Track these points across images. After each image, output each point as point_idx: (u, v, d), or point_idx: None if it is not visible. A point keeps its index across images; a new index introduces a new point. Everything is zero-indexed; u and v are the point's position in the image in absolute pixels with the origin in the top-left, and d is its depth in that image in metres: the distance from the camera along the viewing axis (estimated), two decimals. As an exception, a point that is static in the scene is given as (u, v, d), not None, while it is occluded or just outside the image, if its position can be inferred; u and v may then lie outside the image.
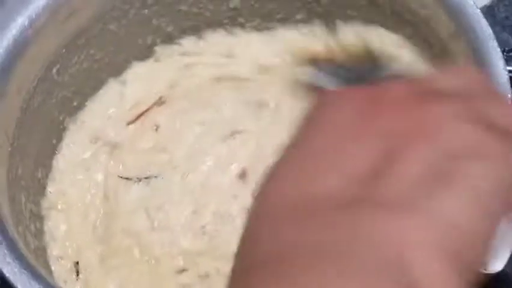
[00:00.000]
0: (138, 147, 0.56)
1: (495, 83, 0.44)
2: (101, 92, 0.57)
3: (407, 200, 0.25)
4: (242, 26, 0.58)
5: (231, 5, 0.57)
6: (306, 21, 0.57)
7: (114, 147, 0.55)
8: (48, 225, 0.51)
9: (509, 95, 0.43)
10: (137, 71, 0.57)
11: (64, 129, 0.55)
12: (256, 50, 0.58)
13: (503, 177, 0.25)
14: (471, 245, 0.24)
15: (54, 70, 0.51)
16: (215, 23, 0.58)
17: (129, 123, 0.56)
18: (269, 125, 0.56)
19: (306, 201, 0.26)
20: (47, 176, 0.53)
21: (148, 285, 0.51)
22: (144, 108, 0.57)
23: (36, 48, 0.49)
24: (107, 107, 0.56)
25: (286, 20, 0.58)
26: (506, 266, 0.40)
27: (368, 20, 0.55)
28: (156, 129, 0.56)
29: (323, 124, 0.28)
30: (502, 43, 0.60)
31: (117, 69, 0.57)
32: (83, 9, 0.51)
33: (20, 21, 0.48)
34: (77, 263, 0.51)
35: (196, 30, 0.58)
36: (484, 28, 0.46)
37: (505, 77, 0.44)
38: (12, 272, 0.41)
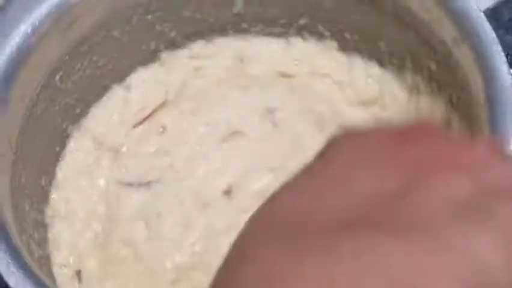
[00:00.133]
0: (142, 151, 0.56)
1: (499, 87, 0.44)
2: (104, 98, 0.57)
3: (435, 230, 0.21)
4: (246, 31, 0.58)
5: (234, 10, 0.57)
6: (309, 26, 0.57)
7: (118, 152, 0.55)
8: (53, 233, 0.51)
9: (514, 100, 0.43)
10: (142, 75, 0.57)
11: (68, 136, 0.55)
12: (269, 55, 0.58)
13: None
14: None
15: (57, 77, 0.51)
16: (218, 28, 0.58)
17: (135, 125, 0.56)
18: (269, 132, 0.56)
19: (308, 219, 0.23)
20: (50, 183, 0.53)
21: None
22: (150, 111, 0.57)
23: (39, 55, 0.49)
24: (111, 113, 0.56)
25: (290, 25, 0.58)
26: None
27: (372, 25, 0.54)
28: (162, 131, 0.56)
29: (346, 149, 0.25)
30: (506, 46, 0.59)
31: (120, 76, 0.57)
32: (86, 16, 0.51)
33: (23, 29, 0.48)
34: (80, 271, 0.51)
35: (199, 35, 0.58)
36: (488, 32, 0.46)
37: (508, 81, 0.44)
38: (17, 282, 0.41)
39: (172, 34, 0.57)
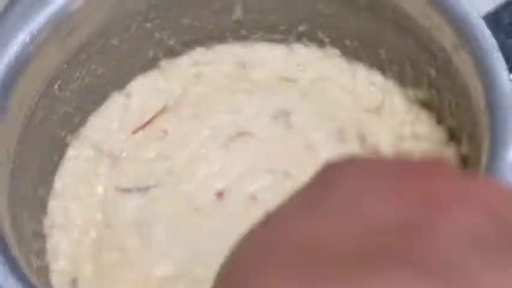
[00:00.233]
0: (142, 156, 0.55)
1: (499, 93, 0.43)
2: (103, 106, 0.56)
3: (469, 271, 0.20)
4: (245, 38, 0.58)
5: (234, 18, 0.57)
6: (309, 33, 0.57)
7: (117, 158, 0.55)
8: (51, 243, 0.51)
9: (514, 106, 0.43)
10: (142, 83, 0.57)
11: (66, 145, 0.54)
12: (271, 60, 0.58)
13: None
14: None
15: (56, 86, 0.51)
16: (217, 36, 0.58)
17: (135, 131, 0.56)
18: (281, 135, 0.55)
19: (319, 245, 0.20)
20: (48, 193, 0.52)
21: None
22: (149, 117, 0.56)
23: (38, 64, 0.48)
24: (110, 121, 0.56)
25: (289, 31, 0.58)
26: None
27: (371, 31, 0.54)
28: (163, 137, 0.56)
29: (350, 171, 0.24)
30: (507, 50, 0.59)
31: (119, 84, 0.57)
32: (84, 25, 0.51)
33: (21, 38, 0.48)
34: (76, 279, 0.50)
35: (198, 42, 0.58)
36: (488, 38, 0.45)
37: (509, 87, 0.43)
38: (15, 293, 0.41)
39: (171, 42, 0.57)
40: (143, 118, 0.56)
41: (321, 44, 0.57)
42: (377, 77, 0.56)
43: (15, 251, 0.44)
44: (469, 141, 0.49)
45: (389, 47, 0.55)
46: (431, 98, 0.53)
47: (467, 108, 0.47)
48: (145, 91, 0.57)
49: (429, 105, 0.54)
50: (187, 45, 0.58)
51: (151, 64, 0.58)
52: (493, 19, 0.61)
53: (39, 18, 0.48)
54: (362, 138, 0.53)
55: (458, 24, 0.47)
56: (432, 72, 0.52)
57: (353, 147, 0.53)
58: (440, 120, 0.53)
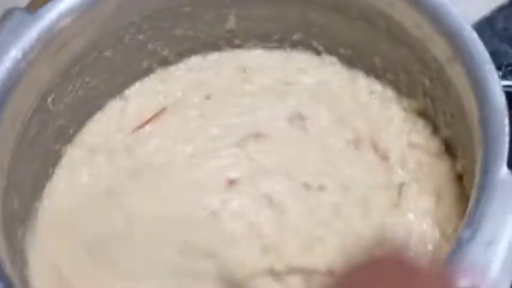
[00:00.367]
0: (140, 150, 0.55)
1: (492, 109, 0.43)
2: (100, 112, 0.56)
3: None
4: (239, 46, 0.58)
5: (228, 27, 0.57)
6: (303, 41, 0.57)
7: (113, 152, 0.55)
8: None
9: (506, 120, 0.43)
10: (140, 87, 0.57)
11: (60, 156, 0.54)
12: (272, 64, 0.58)
13: None
14: None
15: (49, 100, 0.51)
16: (211, 45, 0.58)
17: (134, 130, 0.56)
18: (298, 139, 0.54)
19: None
20: (43, 206, 0.52)
21: None
22: (149, 116, 0.56)
23: (30, 79, 0.48)
24: (108, 124, 0.56)
25: (284, 39, 0.58)
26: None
27: (365, 40, 0.54)
28: (165, 133, 0.55)
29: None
30: (500, 55, 0.59)
31: (113, 94, 0.57)
32: (76, 39, 0.50)
33: (13, 54, 0.48)
34: None
35: (192, 52, 0.58)
36: (481, 51, 0.45)
37: (502, 103, 0.43)
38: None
39: (165, 52, 0.57)
40: (143, 118, 0.56)
41: (316, 51, 0.57)
42: (376, 85, 0.55)
43: (9, 269, 0.43)
44: (464, 154, 0.49)
45: (383, 56, 0.54)
46: (426, 107, 0.53)
47: (462, 119, 0.47)
48: (142, 94, 0.57)
49: (425, 115, 0.53)
50: (182, 55, 0.58)
51: (145, 74, 0.57)
52: (487, 24, 0.61)
53: (31, 34, 0.48)
54: (375, 146, 0.53)
55: (451, 36, 0.46)
56: (427, 82, 0.52)
57: (368, 156, 0.52)
58: (435, 131, 0.52)
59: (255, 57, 0.58)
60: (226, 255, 0.49)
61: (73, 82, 0.53)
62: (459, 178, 0.50)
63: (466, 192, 0.48)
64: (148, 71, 0.57)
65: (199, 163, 0.53)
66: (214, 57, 0.58)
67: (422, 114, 0.54)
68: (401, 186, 0.51)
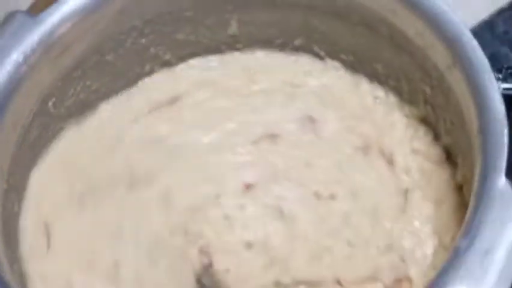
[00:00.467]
0: (149, 136, 0.54)
1: (492, 118, 0.43)
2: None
3: None
4: (240, 51, 0.58)
5: (230, 32, 0.57)
6: (305, 47, 0.57)
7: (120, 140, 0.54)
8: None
9: (506, 130, 0.43)
10: (146, 81, 0.57)
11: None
12: (278, 67, 0.57)
13: None
14: None
15: (50, 103, 0.51)
16: (213, 49, 0.58)
17: (141, 117, 0.55)
18: (305, 141, 0.54)
19: None
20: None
21: None
22: (158, 105, 0.56)
23: (31, 83, 0.48)
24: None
25: (286, 44, 0.58)
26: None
27: (367, 47, 0.54)
28: (177, 120, 0.55)
29: None
30: (500, 58, 0.60)
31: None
32: (78, 43, 0.51)
33: (14, 57, 0.48)
34: None
35: (194, 56, 0.58)
36: (480, 59, 0.45)
37: (501, 112, 0.43)
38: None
39: (167, 56, 0.57)
40: (150, 106, 0.56)
41: (319, 57, 0.57)
42: (379, 91, 0.55)
43: (8, 272, 0.44)
44: (464, 162, 0.49)
45: (385, 62, 0.54)
46: (427, 115, 0.53)
47: (461, 127, 0.47)
48: (149, 88, 0.57)
49: (426, 122, 0.53)
50: (184, 59, 0.58)
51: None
52: (487, 27, 0.62)
53: (32, 38, 0.48)
54: (382, 152, 0.53)
55: (451, 44, 0.46)
56: (428, 90, 0.52)
57: (376, 162, 0.52)
58: (436, 138, 0.52)
59: (260, 59, 0.58)
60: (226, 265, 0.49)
61: (74, 85, 0.53)
62: (459, 187, 0.50)
63: (465, 200, 0.48)
64: (150, 75, 0.58)
65: (216, 155, 0.53)
66: (217, 59, 0.58)
67: (423, 121, 0.54)
68: (406, 193, 0.51)
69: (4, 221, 0.47)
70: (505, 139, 0.42)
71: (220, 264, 0.49)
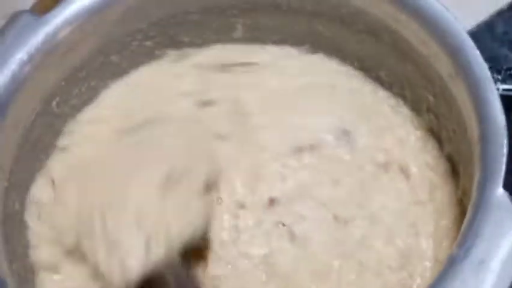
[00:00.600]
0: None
1: (492, 127, 0.43)
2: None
3: None
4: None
5: (235, 36, 0.57)
6: (311, 53, 0.57)
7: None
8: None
9: (505, 141, 0.43)
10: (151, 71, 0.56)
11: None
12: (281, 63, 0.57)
13: None
14: None
15: (53, 103, 0.51)
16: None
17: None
18: (337, 156, 0.53)
19: None
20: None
21: None
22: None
23: (35, 82, 0.49)
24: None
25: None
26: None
27: (371, 54, 0.54)
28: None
29: None
30: (500, 59, 0.60)
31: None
32: (83, 43, 0.51)
33: (18, 56, 0.48)
34: None
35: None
36: (482, 69, 0.45)
37: (502, 121, 0.43)
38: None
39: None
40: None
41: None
42: (391, 100, 0.55)
43: (6, 271, 0.44)
44: (465, 172, 0.49)
45: (389, 70, 0.54)
46: (431, 124, 0.53)
47: (463, 136, 0.47)
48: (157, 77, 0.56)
49: (433, 132, 0.53)
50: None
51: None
52: (487, 28, 0.62)
53: (37, 38, 0.48)
54: (400, 167, 0.52)
55: (453, 52, 0.46)
56: (431, 98, 0.52)
57: (396, 180, 0.52)
58: (441, 149, 0.52)
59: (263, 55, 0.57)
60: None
61: (79, 86, 0.53)
62: (460, 201, 0.49)
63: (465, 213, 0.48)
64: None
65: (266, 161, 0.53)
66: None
67: (430, 131, 0.53)
68: (417, 207, 0.51)
69: (4, 219, 0.47)
70: (504, 150, 0.42)
71: (217, 270, 0.49)
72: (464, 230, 0.41)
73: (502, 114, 0.43)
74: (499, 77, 0.57)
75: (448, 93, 0.48)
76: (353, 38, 0.54)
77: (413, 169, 0.52)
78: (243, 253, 0.50)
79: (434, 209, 0.50)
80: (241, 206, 0.51)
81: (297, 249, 0.50)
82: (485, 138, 0.43)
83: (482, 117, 0.44)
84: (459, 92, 0.46)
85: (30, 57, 0.48)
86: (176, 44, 0.56)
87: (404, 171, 0.52)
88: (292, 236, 0.50)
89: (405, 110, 0.54)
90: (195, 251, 0.49)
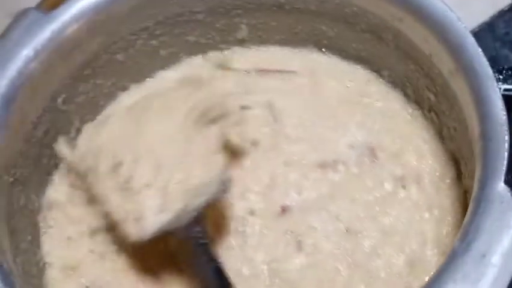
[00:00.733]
0: None
1: (493, 124, 0.43)
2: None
3: None
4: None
5: (239, 36, 0.57)
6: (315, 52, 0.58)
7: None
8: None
9: (506, 137, 0.43)
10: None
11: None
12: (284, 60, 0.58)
13: None
14: None
15: (59, 100, 0.52)
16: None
17: None
18: (356, 173, 0.53)
19: None
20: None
21: None
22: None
23: (41, 79, 0.49)
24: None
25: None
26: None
27: (374, 53, 0.54)
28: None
29: None
30: (501, 59, 0.60)
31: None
32: (89, 41, 0.51)
33: (25, 53, 0.48)
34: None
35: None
36: (484, 67, 0.45)
37: (503, 118, 0.43)
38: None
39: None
40: None
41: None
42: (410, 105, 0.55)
43: (11, 265, 0.44)
44: (467, 170, 0.49)
45: (391, 69, 0.55)
46: (441, 129, 0.53)
47: (464, 134, 0.47)
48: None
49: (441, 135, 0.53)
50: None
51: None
52: (488, 28, 0.62)
53: (43, 34, 0.49)
54: (416, 179, 0.52)
55: (456, 51, 0.47)
56: (432, 97, 0.52)
57: (411, 192, 0.52)
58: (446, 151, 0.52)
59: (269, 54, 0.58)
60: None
61: (85, 83, 0.53)
62: (464, 205, 0.50)
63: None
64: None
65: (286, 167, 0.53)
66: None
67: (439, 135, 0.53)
68: (427, 214, 0.51)
69: (10, 214, 0.47)
70: (506, 145, 0.42)
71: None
72: (465, 223, 0.41)
73: (504, 111, 0.44)
74: (500, 77, 0.58)
75: (449, 92, 0.49)
76: (355, 37, 0.55)
77: (426, 178, 0.52)
78: (249, 258, 0.50)
79: (441, 215, 0.50)
80: (251, 212, 0.52)
81: (304, 258, 0.50)
82: (486, 134, 0.44)
83: (484, 113, 0.44)
84: (460, 89, 0.47)
85: (37, 54, 0.49)
86: (180, 43, 0.56)
87: (418, 182, 0.52)
88: (299, 245, 0.50)
89: (420, 118, 0.54)
90: (213, 221, 0.49)
